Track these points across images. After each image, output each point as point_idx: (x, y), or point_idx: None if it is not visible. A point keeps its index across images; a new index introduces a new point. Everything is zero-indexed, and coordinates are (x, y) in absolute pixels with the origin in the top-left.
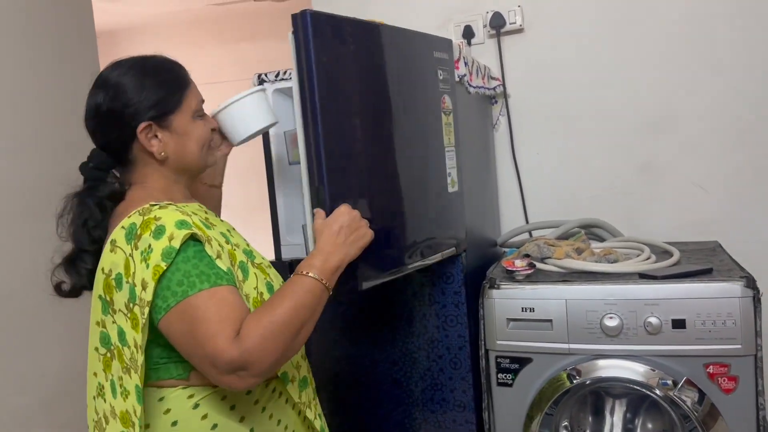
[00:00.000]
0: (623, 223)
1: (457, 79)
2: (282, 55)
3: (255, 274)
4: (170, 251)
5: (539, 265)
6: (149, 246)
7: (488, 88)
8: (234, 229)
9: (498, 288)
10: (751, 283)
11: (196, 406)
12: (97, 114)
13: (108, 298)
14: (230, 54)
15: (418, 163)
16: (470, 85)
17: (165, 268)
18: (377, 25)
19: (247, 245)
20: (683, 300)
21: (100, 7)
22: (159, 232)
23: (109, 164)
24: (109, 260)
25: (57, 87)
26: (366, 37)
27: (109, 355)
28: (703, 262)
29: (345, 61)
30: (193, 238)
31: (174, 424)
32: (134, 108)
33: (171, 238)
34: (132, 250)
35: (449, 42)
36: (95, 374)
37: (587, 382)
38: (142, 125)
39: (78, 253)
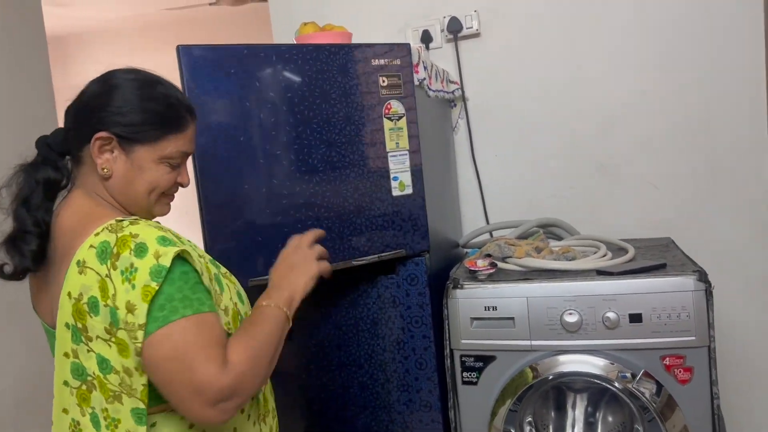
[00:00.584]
0: (581, 221)
1: (417, 82)
2: None
3: (227, 284)
4: (160, 270)
5: (501, 265)
6: (131, 265)
7: (447, 92)
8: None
9: (461, 288)
10: (703, 276)
11: (191, 426)
12: (79, 98)
13: (80, 325)
14: None
15: (337, 169)
16: (430, 89)
17: (157, 288)
18: (262, 48)
19: (218, 267)
20: (639, 295)
21: (51, 12)
22: (141, 249)
23: (62, 149)
24: (78, 283)
25: (7, 92)
26: (249, 63)
27: (85, 387)
28: (657, 257)
29: (227, 88)
30: (180, 257)
31: None
32: (108, 113)
33: (158, 256)
34: (109, 270)
35: (406, 47)
36: (65, 411)
37: (549, 378)
38: (102, 134)
39: (20, 232)
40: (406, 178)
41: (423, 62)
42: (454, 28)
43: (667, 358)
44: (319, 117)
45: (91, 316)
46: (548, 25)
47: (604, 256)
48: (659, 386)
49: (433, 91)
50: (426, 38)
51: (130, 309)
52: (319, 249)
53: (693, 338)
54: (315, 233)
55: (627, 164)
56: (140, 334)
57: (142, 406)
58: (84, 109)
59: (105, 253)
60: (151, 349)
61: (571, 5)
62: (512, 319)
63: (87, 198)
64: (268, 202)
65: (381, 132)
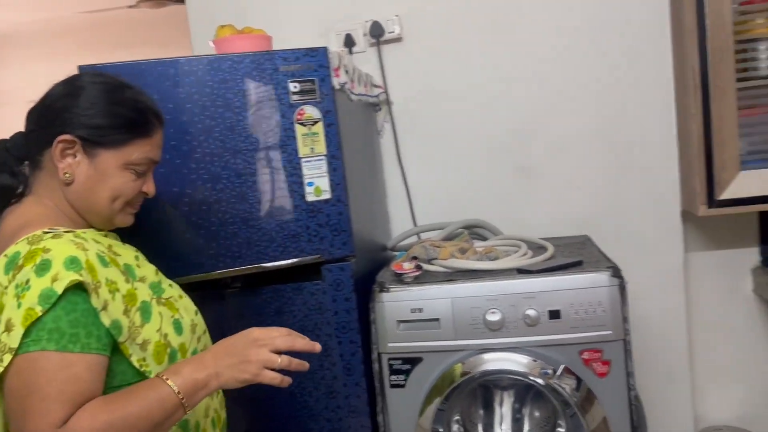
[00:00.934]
0: (504, 221)
1: (338, 86)
2: None
3: (160, 313)
4: (50, 295)
5: (426, 267)
6: (27, 281)
7: (371, 96)
8: (142, 256)
9: (387, 291)
10: (616, 272)
11: None
12: (42, 100)
13: None
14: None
15: (242, 176)
16: (353, 93)
17: (40, 314)
18: (160, 63)
19: (156, 274)
20: (557, 292)
21: None
22: (43, 267)
23: (21, 153)
24: None
25: None
26: (148, 78)
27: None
28: (574, 255)
29: None
30: (79, 287)
31: None
32: (73, 115)
33: (54, 279)
34: (8, 282)
35: (322, 51)
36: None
37: (475, 376)
38: (66, 137)
39: None
40: (323, 183)
41: (344, 66)
42: (377, 32)
43: (586, 353)
44: (222, 126)
45: None
46: (468, 30)
47: (525, 255)
48: (579, 381)
49: (356, 95)
50: (349, 42)
51: (8, 328)
52: (277, 359)
53: (609, 332)
54: (291, 341)
55: (545, 165)
56: (7, 357)
57: None
58: (47, 111)
59: (11, 264)
60: (6, 375)
61: (489, 11)
62: (438, 320)
63: (36, 205)
64: (169, 209)
65: (294, 138)
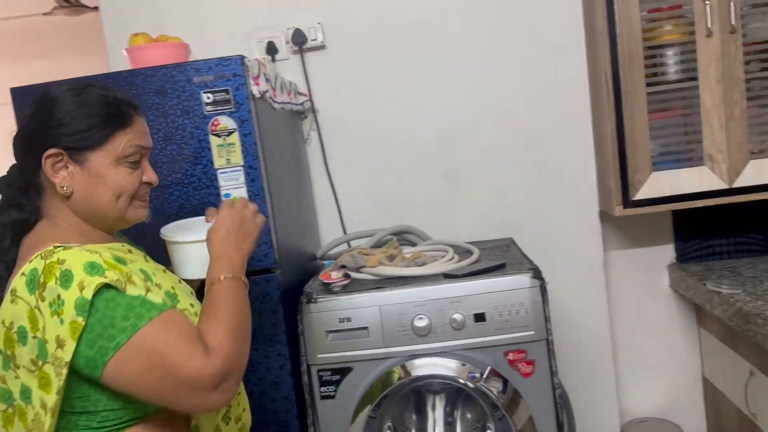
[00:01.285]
0: (432, 226)
1: (258, 95)
2: (80, 70)
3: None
4: (83, 304)
5: (354, 275)
6: (58, 297)
7: (296, 104)
8: (163, 270)
9: (315, 302)
10: (537, 273)
11: None
12: (20, 127)
13: (9, 353)
14: (22, 72)
15: (156, 189)
16: (275, 101)
17: (83, 324)
18: (69, 81)
19: (172, 288)
20: (482, 295)
21: None
22: (66, 279)
23: (20, 183)
24: (10, 312)
25: None
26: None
27: (11, 410)
28: (499, 258)
29: None
30: (108, 287)
31: None
32: (52, 131)
33: (82, 288)
34: (38, 302)
35: (237, 60)
36: None
37: (405, 383)
38: (51, 151)
39: None
40: (241, 194)
41: (265, 74)
42: (299, 40)
43: (511, 354)
44: None
45: (19, 345)
46: (391, 36)
47: (452, 259)
48: (505, 382)
49: (279, 103)
50: (271, 50)
51: (60, 344)
52: (254, 206)
53: (532, 332)
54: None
55: (471, 169)
56: (65, 371)
57: None
58: (27, 135)
59: (33, 282)
60: (121, 367)
61: (412, 17)
62: (366, 328)
63: (48, 226)
64: None
65: (209, 149)
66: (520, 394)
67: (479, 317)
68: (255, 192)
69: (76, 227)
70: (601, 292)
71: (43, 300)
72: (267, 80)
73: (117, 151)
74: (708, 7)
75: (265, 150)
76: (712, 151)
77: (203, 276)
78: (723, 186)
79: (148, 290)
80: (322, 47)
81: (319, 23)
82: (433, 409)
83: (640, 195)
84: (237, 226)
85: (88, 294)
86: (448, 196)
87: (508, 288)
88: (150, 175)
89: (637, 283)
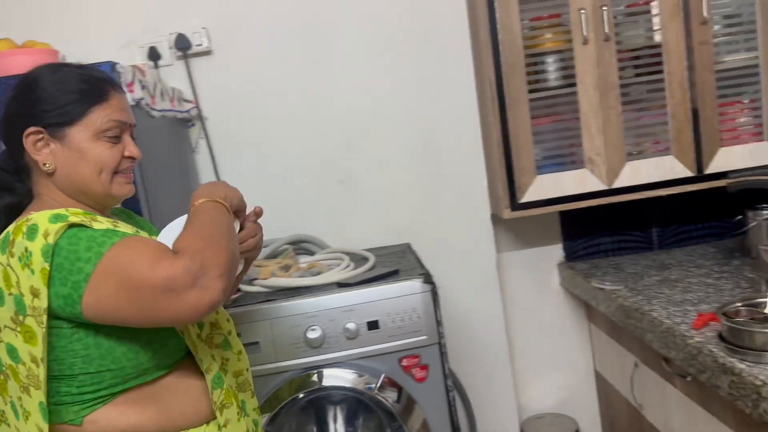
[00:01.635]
0: (330, 235)
1: (133, 102)
2: None
3: None
4: (48, 250)
5: (246, 288)
6: (26, 249)
7: (180, 111)
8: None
9: None
10: (427, 278)
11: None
12: (4, 109)
13: None
14: None
15: None
16: (153, 109)
17: (50, 268)
18: None
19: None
20: (375, 302)
21: None
22: (32, 232)
23: (11, 167)
24: None
25: None
26: None
27: (2, 377)
28: (393, 264)
29: None
30: (71, 226)
31: None
32: (31, 109)
33: (47, 235)
34: (8, 259)
35: (106, 66)
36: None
37: (300, 396)
38: (30, 129)
39: None
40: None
41: (141, 81)
42: (183, 45)
43: (405, 360)
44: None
45: None
46: (282, 44)
47: (347, 267)
48: (399, 390)
49: (158, 111)
50: (154, 55)
51: (35, 293)
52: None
53: (425, 337)
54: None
55: (367, 177)
56: (44, 318)
57: (44, 401)
58: (8, 117)
59: (4, 243)
60: (95, 293)
61: (303, 23)
62: (257, 343)
63: (37, 204)
64: None
65: None
66: (414, 400)
67: (372, 325)
68: (131, 204)
69: (63, 204)
70: (495, 293)
71: (12, 256)
72: (143, 87)
73: (95, 126)
74: (583, 15)
75: (144, 160)
76: (592, 154)
77: None
78: (603, 187)
79: (115, 226)
80: (208, 52)
81: (203, 28)
82: (335, 420)
83: (527, 198)
84: (217, 186)
85: (52, 240)
86: (345, 204)
87: (400, 294)
88: (132, 150)
89: (530, 283)
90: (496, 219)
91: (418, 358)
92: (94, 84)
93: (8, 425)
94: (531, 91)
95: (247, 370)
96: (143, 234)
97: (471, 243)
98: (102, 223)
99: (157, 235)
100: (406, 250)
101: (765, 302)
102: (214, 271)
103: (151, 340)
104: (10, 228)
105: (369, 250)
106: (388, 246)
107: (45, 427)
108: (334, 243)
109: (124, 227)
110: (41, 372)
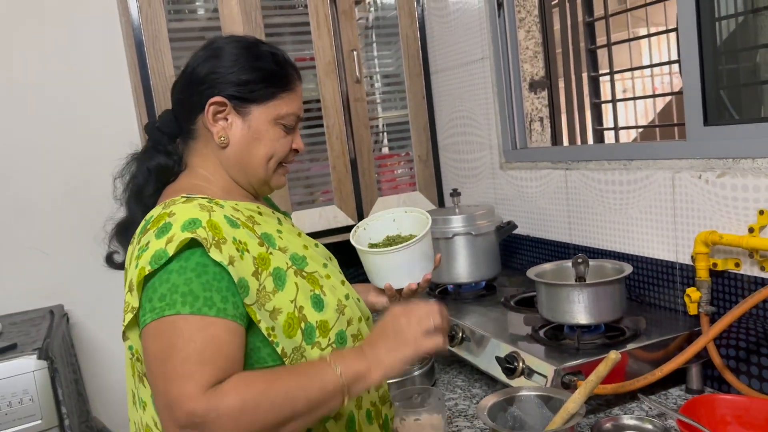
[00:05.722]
0: None
1: None
2: None
3: (296, 284)
4: (161, 256)
5: None
6: (147, 243)
7: None
8: (298, 234)
9: None
10: (44, 353)
11: None
12: (184, 71)
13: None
14: None
15: None
16: None
17: (149, 271)
18: None
19: (305, 249)
20: None
21: None
22: (163, 230)
23: (172, 129)
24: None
25: None
26: None
27: (131, 361)
28: (22, 334)
29: None
30: (194, 244)
31: None
32: (218, 77)
33: (168, 241)
34: (135, 245)
35: None
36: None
37: None
38: (217, 99)
39: (132, 222)
40: None
41: None
42: None
43: None
44: None
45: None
46: None
47: None
48: None
49: None
50: None
51: (131, 288)
52: (438, 322)
53: (39, 422)
54: (443, 310)
55: (7, 228)
56: (129, 316)
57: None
58: (192, 79)
59: (143, 227)
60: (144, 341)
61: None
62: None
63: (189, 177)
64: None
65: None
66: None
67: None
68: None
69: (219, 180)
70: None
71: (138, 243)
72: None
73: (278, 112)
74: None
75: None
76: None
77: (398, 285)
78: None
79: (231, 262)
80: None
81: None
82: None
83: None
84: (401, 331)
85: (171, 249)
86: None
87: (8, 375)
88: (299, 142)
89: None
90: None
91: None
92: (284, 68)
93: (135, 411)
94: None
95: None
96: (286, 228)
97: None
98: (221, 253)
99: (282, 225)
100: (46, 315)
101: None
102: None
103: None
104: (155, 212)
105: (5, 316)
106: (34, 309)
107: (159, 422)
108: None
109: (267, 226)
110: (137, 366)
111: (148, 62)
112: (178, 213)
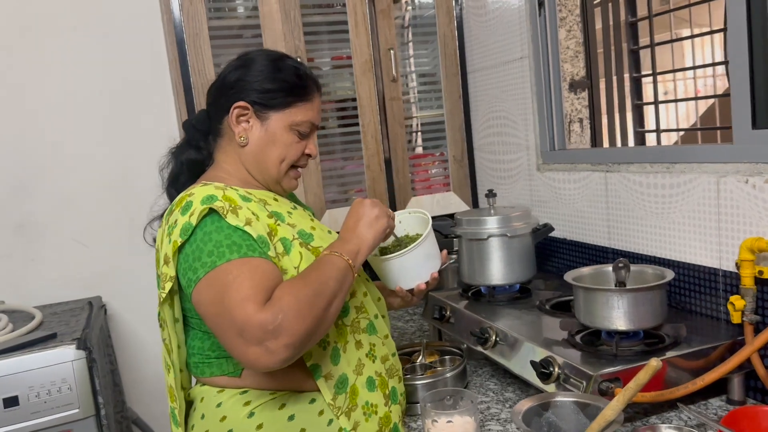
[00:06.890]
0: (5, 288)
1: None
2: None
3: (300, 253)
4: (188, 227)
5: None
6: (175, 222)
7: None
8: (308, 215)
9: None
10: (82, 344)
11: (251, 414)
12: (219, 77)
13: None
14: None
15: None
16: None
17: (181, 242)
18: None
19: (312, 228)
20: (16, 375)
21: None
22: (186, 207)
23: (205, 127)
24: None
25: None
26: None
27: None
28: (62, 324)
29: None
30: (212, 212)
31: None
32: (245, 84)
33: (192, 214)
34: (164, 226)
35: None
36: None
37: None
38: (241, 103)
39: None
40: None
41: None
42: None
43: None
44: None
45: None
46: None
47: (4, 329)
48: None
49: None
50: None
51: (167, 261)
52: (383, 208)
53: (77, 410)
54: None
55: (49, 222)
56: (168, 285)
57: (177, 361)
58: (224, 84)
59: (169, 210)
60: (198, 296)
61: None
62: None
63: (214, 170)
64: None
65: None
66: None
67: (11, 402)
68: None
69: (239, 174)
70: None
71: (167, 223)
72: None
73: (294, 119)
74: None
75: None
76: None
77: (407, 286)
78: None
79: (248, 222)
80: None
81: None
82: None
83: None
84: (366, 215)
85: (194, 219)
86: (21, 253)
87: (48, 363)
88: (312, 148)
89: None
90: None
91: None
92: (304, 81)
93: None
94: None
95: (393, 355)
96: (298, 212)
97: None
98: (237, 217)
99: (312, 216)
100: (85, 306)
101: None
102: (285, 338)
103: None
104: (178, 197)
105: (48, 306)
106: (73, 300)
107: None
108: (8, 297)
109: (279, 207)
110: (173, 336)
111: (189, 60)
112: (197, 192)
